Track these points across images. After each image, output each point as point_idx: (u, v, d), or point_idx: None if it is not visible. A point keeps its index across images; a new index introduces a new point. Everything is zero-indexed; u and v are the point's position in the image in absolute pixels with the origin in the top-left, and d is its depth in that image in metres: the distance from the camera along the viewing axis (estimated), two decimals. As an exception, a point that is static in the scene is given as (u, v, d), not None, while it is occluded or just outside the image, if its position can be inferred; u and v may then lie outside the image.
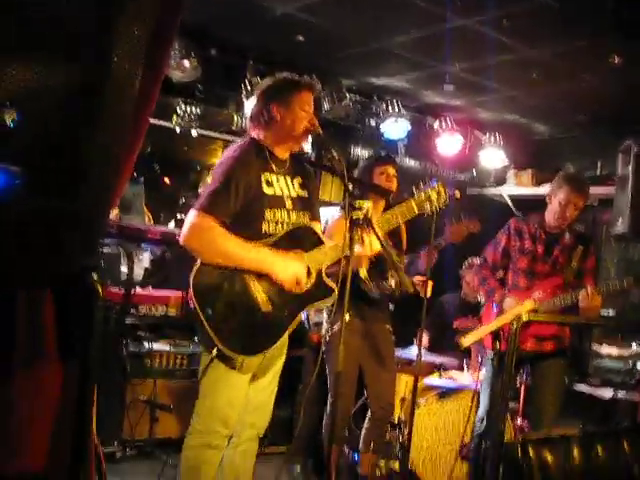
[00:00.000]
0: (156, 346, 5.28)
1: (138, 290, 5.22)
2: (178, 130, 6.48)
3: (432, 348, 6.33)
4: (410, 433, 4.36)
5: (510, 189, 7.43)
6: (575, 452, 3.36)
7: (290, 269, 3.35)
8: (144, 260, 6.75)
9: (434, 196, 3.68)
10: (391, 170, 4.66)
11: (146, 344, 5.18)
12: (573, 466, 3.32)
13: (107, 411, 4.81)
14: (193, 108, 6.45)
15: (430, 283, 4.35)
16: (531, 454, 3.23)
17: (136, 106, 2.13)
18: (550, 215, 4.72)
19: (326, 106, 5.77)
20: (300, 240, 3.46)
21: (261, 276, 3.35)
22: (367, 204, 3.24)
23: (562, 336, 4.74)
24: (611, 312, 7.30)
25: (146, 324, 5.27)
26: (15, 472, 2.27)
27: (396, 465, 5.27)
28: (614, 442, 3.52)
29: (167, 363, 5.30)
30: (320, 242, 3.50)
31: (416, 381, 4.10)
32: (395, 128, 6.46)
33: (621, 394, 6.02)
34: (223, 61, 5.73)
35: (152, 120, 6.09)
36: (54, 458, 2.32)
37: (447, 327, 6.23)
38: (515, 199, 7.32)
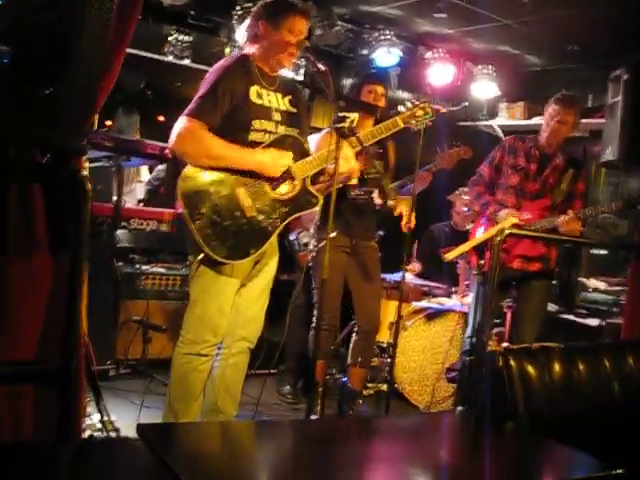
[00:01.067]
0: (149, 268, 5.36)
1: (129, 205, 5.27)
2: (171, 58, 6.48)
3: (423, 276, 6.43)
4: (394, 353, 4.46)
5: (502, 121, 7.45)
6: (556, 365, 3.39)
7: (275, 157, 3.46)
8: (138, 192, 6.81)
9: (420, 112, 3.78)
10: (380, 89, 4.70)
11: (139, 265, 5.26)
12: (554, 378, 3.35)
13: (100, 330, 4.90)
14: (185, 37, 6.46)
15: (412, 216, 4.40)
16: (512, 364, 3.26)
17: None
18: (542, 134, 4.81)
19: (317, 32, 5.76)
20: (287, 149, 3.53)
21: (247, 182, 3.44)
22: (353, 115, 3.31)
23: (549, 258, 4.83)
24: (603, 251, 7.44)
25: (140, 247, 5.34)
26: (8, 358, 2.35)
27: (384, 387, 5.42)
28: (595, 358, 3.55)
29: (160, 284, 5.39)
30: (306, 152, 3.58)
31: (400, 302, 4.21)
32: (387, 57, 6.44)
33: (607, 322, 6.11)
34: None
35: (145, 53, 6.23)
36: (45, 345, 2.40)
37: (437, 256, 6.30)
38: (507, 131, 7.32)
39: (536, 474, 2.41)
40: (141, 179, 6.97)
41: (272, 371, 5.58)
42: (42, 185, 2.26)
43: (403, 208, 4.50)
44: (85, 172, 2.42)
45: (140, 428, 2.18)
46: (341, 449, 2.33)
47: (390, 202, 4.33)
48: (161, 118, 7.62)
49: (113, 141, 4.19)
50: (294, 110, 3.69)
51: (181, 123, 3.38)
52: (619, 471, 2.35)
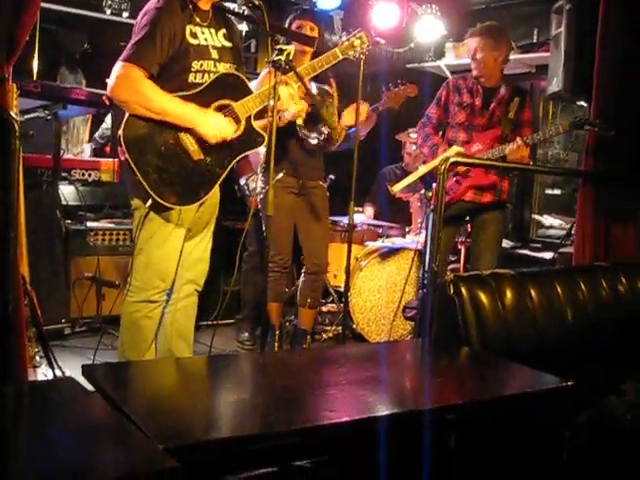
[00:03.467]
0: (97, 224, 5.29)
1: (68, 156, 5.18)
2: (109, 13, 6.34)
3: (377, 219, 6.44)
4: (347, 292, 4.45)
5: (449, 61, 7.41)
6: (508, 291, 3.38)
7: (214, 124, 3.38)
8: (86, 153, 6.69)
9: (357, 43, 3.78)
10: (309, 24, 4.68)
11: (87, 222, 5.18)
12: (505, 304, 3.34)
13: (52, 289, 4.88)
14: (122, -10, 6.32)
15: (364, 107, 4.38)
16: (463, 291, 3.24)
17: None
18: (474, 71, 4.83)
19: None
20: (228, 88, 3.47)
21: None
22: (289, 47, 3.27)
23: (500, 188, 4.84)
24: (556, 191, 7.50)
25: (86, 204, 5.26)
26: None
27: (340, 329, 5.44)
28: (546, 283, 3.57)
29: (110, 240, 5.32)
30: (248, 90, 3.51)
31: (350, 242, 4.19)
32: (328, -1, 6.37)
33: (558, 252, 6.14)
34: None
35: (84, 12, 6.08)
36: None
37: (390, 198, 6.30)
38: (454, 71, 7.29)
39: (491, 388, 2.42)
40: (86, 140, 6.86)
41: (229, 321, 5.63)
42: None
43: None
44: (13, 113, 2.34)
45: (86, 369, 2.13)
46: (297, 376, 2.32)
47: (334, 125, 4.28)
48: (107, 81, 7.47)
49: (45, 88, 4.08)
50: (229, 44, 3.61)
51: (119, 70, 3.27)
52: (569, 383, 2.38)
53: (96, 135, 6.72)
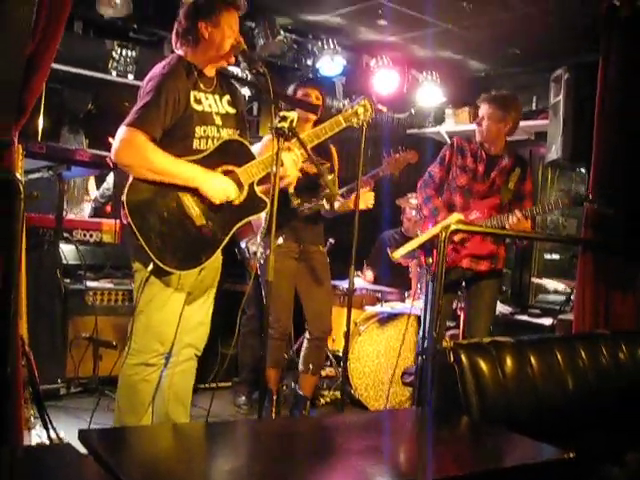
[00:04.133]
0: (96, 284, 5.27)
1: (70, 216, 5.19)
2: (114, 74, 6.42)
3: (376, 283, 6.42)
4: (346, 358, 4.43)
5: (449, 127, 7.51)
6: (508, 359, 3.37)
7: (218, 185, 3.39)
8: (86, 212, 6.72)
9: (361, 110, 3.80)
10: (314, 92, 4.74)
11: (86, 282, 5.17)
12: (506, 372, 3.33)
13: (49, 348, 4.84)
14: (129, 52, 6.40)
15: (370, 194, 4.42)
16: (463, 359, 3.23)
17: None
18: (477, 136, 4.85)
19: (260, 42, 5.74)
20: (231, 154, 3.49)
21: (195, 191, 3.38)
22: (292, 114, 3.29)
23: (497, 257, 4.84)
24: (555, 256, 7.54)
25: (87, 264, 5.26)
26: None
27: (338, 394, 5.39)
28: (547, 351, 3.55)
29: (109, 300, 5.30)
30: (251, 156, 3.53)
31: (349, 308, 4.16)
32: (331, 66, 6.47)
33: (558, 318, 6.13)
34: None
35: (90, 72, 6.16)
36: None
37: (390, 262, 6.29)
38: (454, 137, 7.38)
39: (492, 460, 2.39)
40: (90, 198, 6.89)
41: (227, 384, 5.59)
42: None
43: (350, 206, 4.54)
44: (18, 174, 2.36)
45: (82, 434, 2.11)
46: (295, 445, 2.30)
47: (336, 206, 4.33)
48: (111, 140, 7.51)
49: (50, 150, 4.11)
50: (233, 111, 3.64)
51: (123, 134, 3.29)
52: (571, 455, 2.35)
53: (97, 194, 6.76)
